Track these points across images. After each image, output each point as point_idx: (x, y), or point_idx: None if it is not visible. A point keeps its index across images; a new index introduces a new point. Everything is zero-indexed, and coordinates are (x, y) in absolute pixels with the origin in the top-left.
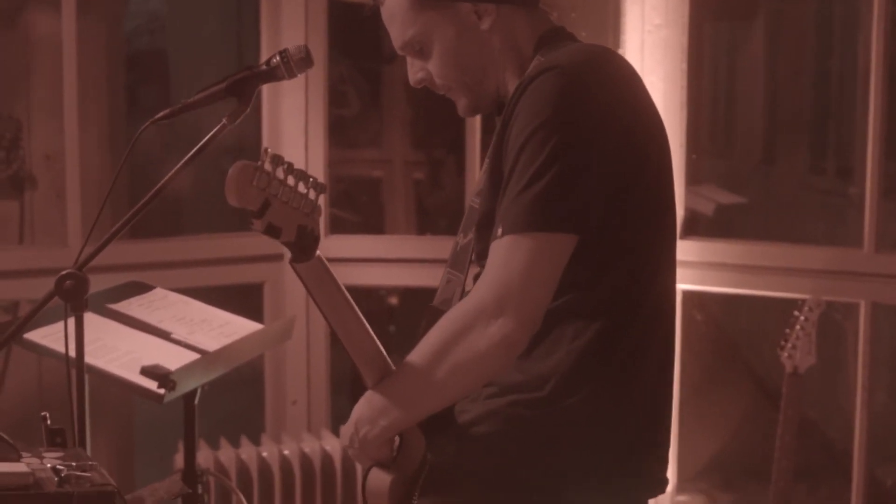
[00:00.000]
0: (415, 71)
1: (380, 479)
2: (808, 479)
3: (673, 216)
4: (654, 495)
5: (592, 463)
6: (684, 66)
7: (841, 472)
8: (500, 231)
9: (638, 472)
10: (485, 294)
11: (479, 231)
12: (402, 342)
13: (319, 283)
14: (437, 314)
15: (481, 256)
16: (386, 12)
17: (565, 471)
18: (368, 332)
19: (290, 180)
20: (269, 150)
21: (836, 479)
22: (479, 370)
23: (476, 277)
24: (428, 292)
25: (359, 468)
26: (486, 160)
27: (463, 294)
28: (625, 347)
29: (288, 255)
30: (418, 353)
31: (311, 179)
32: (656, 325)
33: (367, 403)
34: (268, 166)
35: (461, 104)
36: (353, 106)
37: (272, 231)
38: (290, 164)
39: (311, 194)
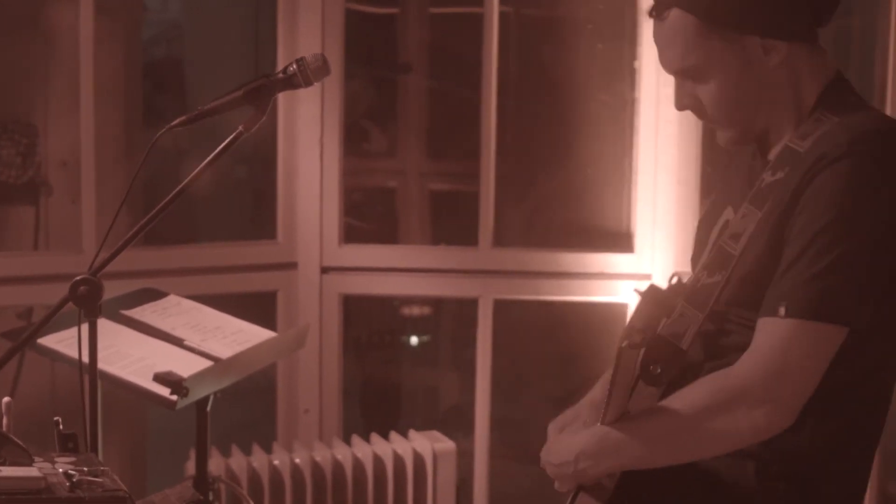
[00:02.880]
0: (682, 95)
1: None
2: None
3: None
4: None
5: None
6: None
7: None
8: (783, 310)
9: None
10: (758, 376)
11: (741, 284)
12: (426, 353)
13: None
14: (668, 346)
15: (732, 308)
16: (665, 32)
17: None
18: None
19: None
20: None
21: None
22: (731, 445)
23: (716, 332)
24: (442, 302)
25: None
26: (748, 205)
27: (699, 333)
28: (868, 433)
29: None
30: (674, 410)
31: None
32: (881, 410)
33: (598, 441)
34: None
35: (725, 135)
36: (366, 115)
37: (638, 345)
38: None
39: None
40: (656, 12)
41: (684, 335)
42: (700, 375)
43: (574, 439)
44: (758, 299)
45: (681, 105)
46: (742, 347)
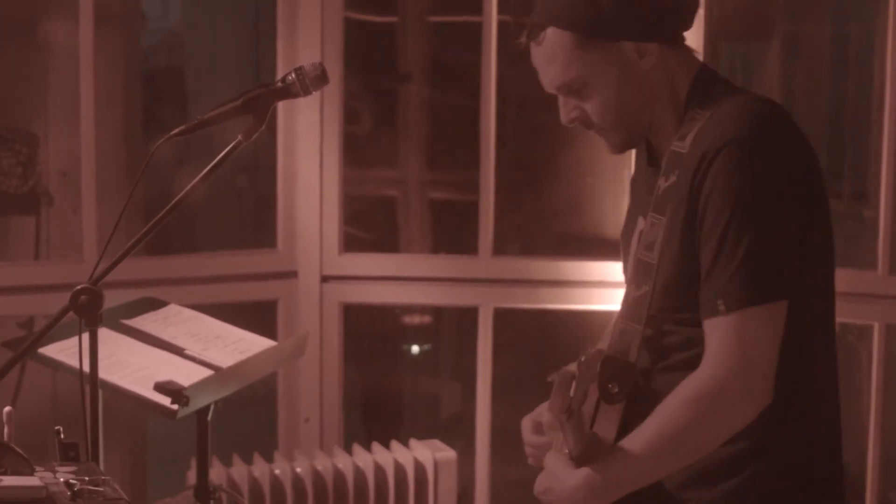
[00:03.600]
0: (569, 110)
1: None
2: None
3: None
4: None
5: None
6: None
7: (854, 495)
8: (722, 307)
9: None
10: (728, 375)
11: (666, 291)
12: (426, 362)
13: (577, 428)
14: (618, 364)
15: (665, 313)
16: (544, 52)
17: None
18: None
19: (587, 363)
20: (581, 361)
21: (849, 502)
22: (723, 440)
23: (655, 335)
24: (442, 311)
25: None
26: (653, 213)
27: (642, 344)
28: (819, 379)
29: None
30: (659, 434)
31: (594, 349)
32: (831, 362)
33: (599, 485)
34: (579, 372)
35: (613, 141)
36: (367, 124)
37: (569, 415)
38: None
39: (593, 365)
40: (531, 36)
41: (630, 349)
42: (653, 379)
43: (570, 487)
44: (686, 300)
45: (568, 119)
46: (682, 344)
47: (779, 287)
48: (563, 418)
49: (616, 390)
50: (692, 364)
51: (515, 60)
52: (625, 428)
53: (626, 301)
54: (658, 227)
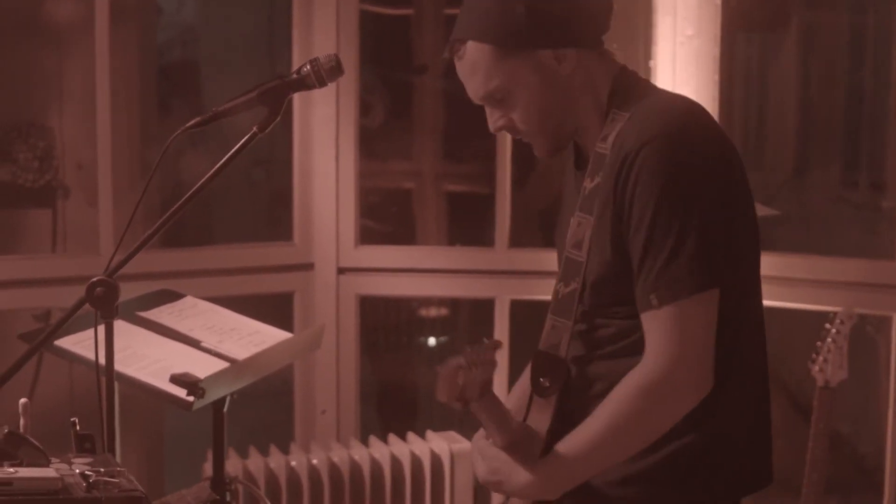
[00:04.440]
0: (495, 119)
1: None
2: (839, 493)
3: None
4: (763, 487)
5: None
6: (716, 77)
7: (872, 486)
8: (655, 301)
9: (751, 471)
10: (670, 365)
11: (595, 288)
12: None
13: (491, 413)
14: (548, 359)
15: (597, 308)
16: (466, 66)
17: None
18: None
19: (475, 366)
20: (470, 348)
21: (867, 493)
22: (664, 430)
23: (589, 329)
24: (459, 302)
25: (387, 476)
26: (579, 213)
27: (571, 340)
28: (746, 358)
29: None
30: (606, 428)
31: (487, 347)
32: (759, 342)
33: (547, 481)
34: (469, 365)
35: (540, 146)
36: (378, 117)
37: (465, 405)
38: (478, 348)
39: (489, 354)
40: (453, 51)
41: (560, 344)
42: (587, 368)
43: (522, 483)
44: (616, 296)
45: (495, 127)
46: (615, 336)
47: (708, 276)
48: (458, 406)
49: (548, 384)
50: (625, 352)
51: None
52: (560, 417)
53: (556, 297)
54: (585, 227)
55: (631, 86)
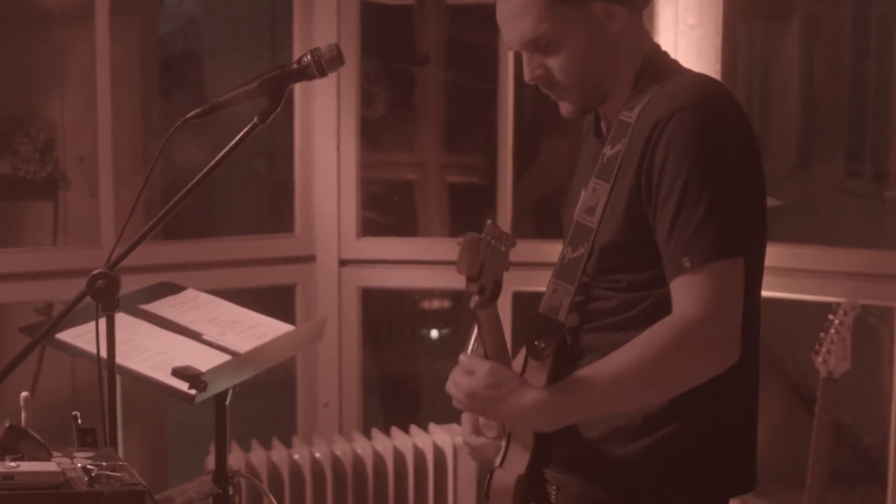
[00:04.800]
0: (533, 67)
1: (504, 479)
2: (843, 484)
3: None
4: (746, 492)
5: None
6: (718, 67)
7: (876, 477)
8: (688, 264)
9: (737, 471)
10: (709, 318)
11: (603, 253)
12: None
13: (491, 326)
14: (547, 321)
15: (599, 276)
16: (515, 5)
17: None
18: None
19: (494, 241)
20: (490, 222)
21: (871, 484)
22: (679, 390)
23: (586, 300)
24: (461, 294)
25: (387, 466)
26: (596, 179)
27: (572, 304)
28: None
29: (471, 301)
30: (626, 371)
31: (505, 235)
32: (755, 330)
33: (560, 400)
34: (490, 239)
35: (569, 105)
36: (380, 108)
37: (481, 289)
38: (496, 226)
39: (504, 249)
40: None
41: (560, 308)
42: (581, 339)
43: (525, 403)
44: (623, 263)
45: (532, 77)
46: (614, 308)
47: (739, 243)
48: (474, 288)
49: (543, 346)
50: (620, 326)
51: None
52: (554, 381)
53: (561, 261)
54: (600, 193)
55: (662, 62)
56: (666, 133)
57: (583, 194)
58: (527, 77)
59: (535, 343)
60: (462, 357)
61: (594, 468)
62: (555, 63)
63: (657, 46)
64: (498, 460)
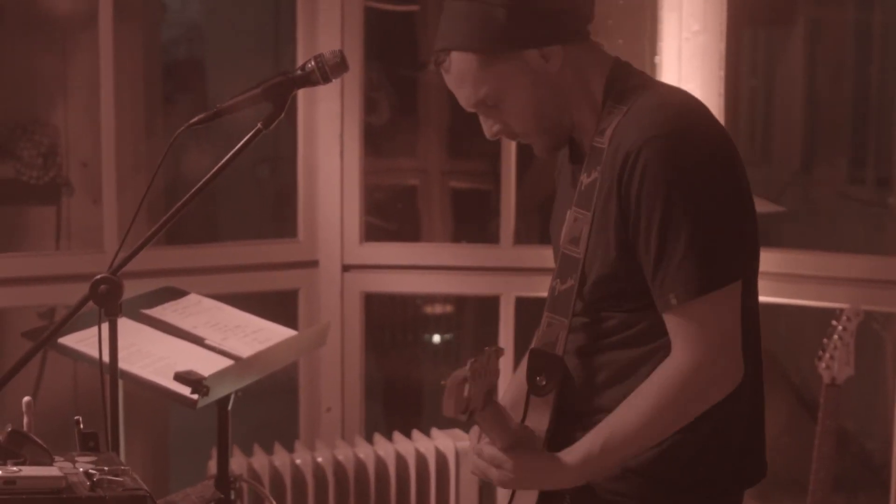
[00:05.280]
0: (490, 125)
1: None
2: (846, 490)
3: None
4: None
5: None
6: (722, 73)
7: (879, 483)
8: (674, 301)
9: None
10: (706, 360)
11: (598, 285)
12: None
13: (495, 419)
14: (545, 357)
15: (599, 302)
16: (454, 76)
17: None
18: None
19: (479, 374)
20: (473, 360)
21: (875, 490)
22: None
23: (593, 322)
24: (464, 300)
25: (388, 475)
26: (576, 208)
27: (570, 334)
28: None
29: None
30: (637, 420)
31: (492, 358)
32: (756, 337)
33: (578, 476)
34: (474, 376)
35: (539, 146)
36: (384, 114)
37: (471, 416)
38: (479, 359)
39: (492, 362)
40: (438, 62)
41: (557, 342)
42: (595, 355)
43: (565, 479)
44: (620, 291)
45: (492, 133)
46: (619, 326)
47: (726, 271)
48: (464, 419)
49: (544, 383)
50: (628, 343)
51: None
52: (559, 415)
53: (552, 294)
54: (582, 223)
55: (627, 78)
56: (638, 167)
57: (565, 222)
58: (487, 135)
59: (537, 379)
60: (481, 450)
61: (606, 483)
62: (508, 117)
63: (617, 62)
64: None
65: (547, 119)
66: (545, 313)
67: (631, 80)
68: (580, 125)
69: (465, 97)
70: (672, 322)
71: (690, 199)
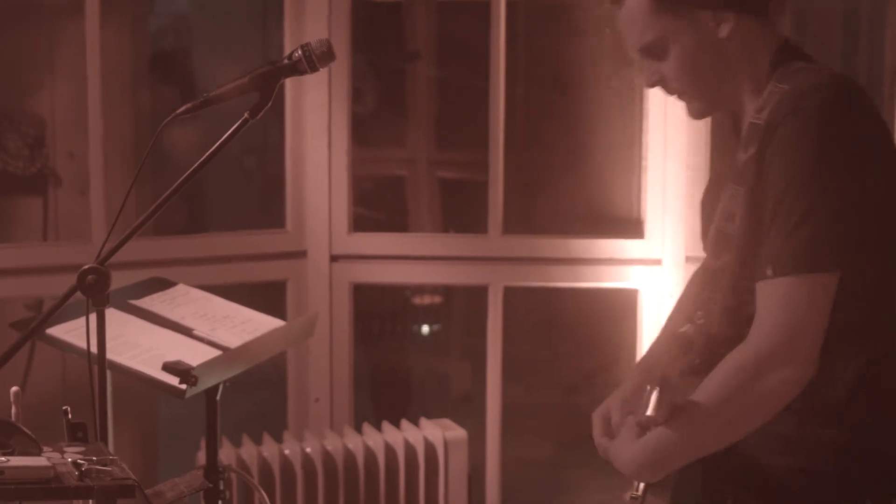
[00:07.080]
0: (650, 74)
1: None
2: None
3: None
4: None
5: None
6: None
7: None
8: (770, 271)
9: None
10: (772, 340)
11: (747, 262)
12: (436, 341)
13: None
14: (701, 336)
15: (745, 282)
16: (625, 15)
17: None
18: None
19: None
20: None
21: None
22: (772, 410)
23: (738, 305)
24: (452, 290)
25: (392, 470)
26: (733, 185)
27: (723, 312)
28: (889, 372)
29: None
30: (707, 399)
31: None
32: None
33: (651, 453)
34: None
35: (692, 107)
36: (370, 104)
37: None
38: None
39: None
40: (615, 0)
41: (711, 319)
42: (734, 346)
43: (627, 454)
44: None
45: (649, 82)
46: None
47: (828, 259)
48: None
49: (698, 361)
50: None
51: (523, 39)
52: None
53: (707, 271)
54: (738, 199)
55: (793, 59)
56: (776, 137)
57: (722, 198)
58: (645, 83)
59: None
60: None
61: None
62: (667, 69)
63: (786, 43)
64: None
65: (704, 83)
66: (702, 291)
67: (796, 63)
68: (740, 100)
69: (633, 39)
70: (760, 293)
71: (815, 179)
